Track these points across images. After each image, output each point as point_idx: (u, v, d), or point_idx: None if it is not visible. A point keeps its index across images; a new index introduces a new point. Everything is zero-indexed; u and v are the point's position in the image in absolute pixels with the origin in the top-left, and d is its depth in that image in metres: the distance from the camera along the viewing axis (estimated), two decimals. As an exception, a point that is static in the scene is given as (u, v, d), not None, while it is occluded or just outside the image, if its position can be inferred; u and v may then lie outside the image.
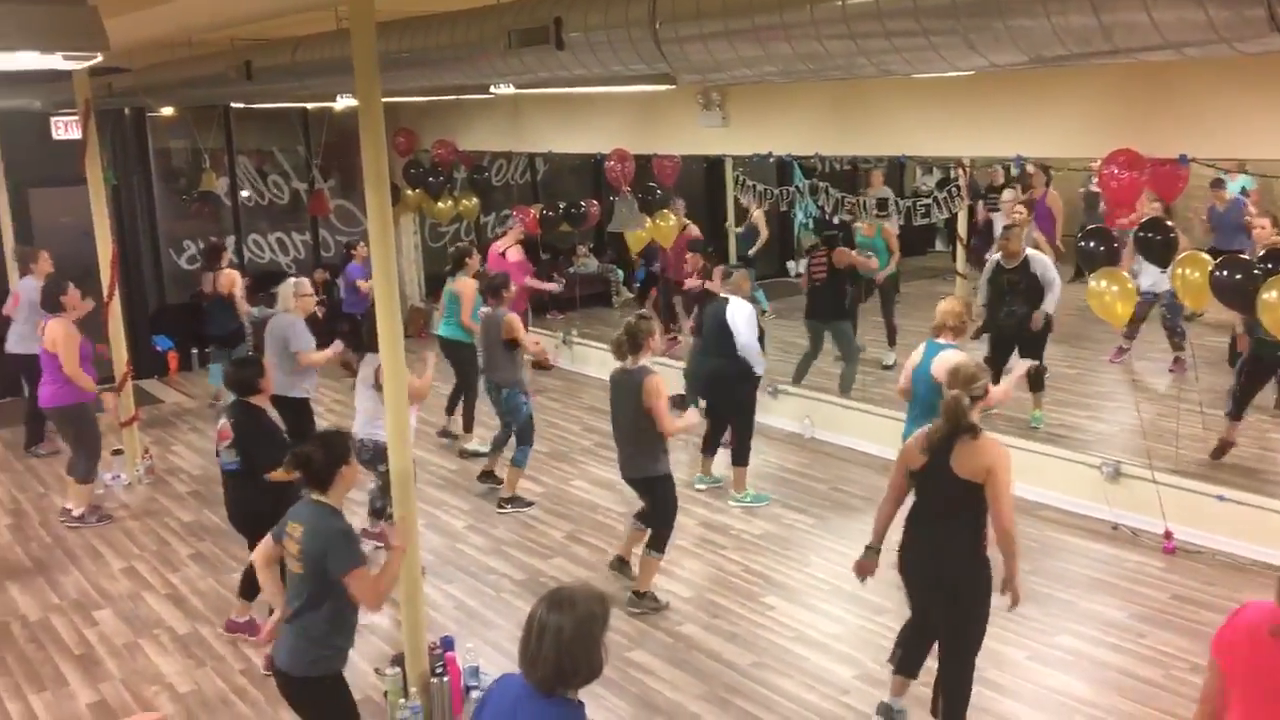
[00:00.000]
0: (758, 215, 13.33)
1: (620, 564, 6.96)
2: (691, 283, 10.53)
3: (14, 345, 9.89)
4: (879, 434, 9.05)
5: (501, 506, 8.37)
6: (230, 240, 13.31)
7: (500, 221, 14.70)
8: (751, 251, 13.31)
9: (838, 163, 13.71)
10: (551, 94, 10.56)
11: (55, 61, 3.69)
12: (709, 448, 8.64)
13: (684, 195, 12.35)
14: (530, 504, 8.41)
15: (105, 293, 9.22)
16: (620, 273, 15.21)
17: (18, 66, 3.74)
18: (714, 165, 14.05)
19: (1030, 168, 12.45)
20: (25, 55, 3.62)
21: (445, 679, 5.54)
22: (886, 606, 6.42)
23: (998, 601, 4.85)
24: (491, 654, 6.12)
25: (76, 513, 8.34)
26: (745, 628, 6.47)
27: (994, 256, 9.32)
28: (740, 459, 8.33)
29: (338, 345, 8.45)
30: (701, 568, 7.31)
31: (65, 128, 11.30)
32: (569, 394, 11.59)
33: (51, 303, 8.18)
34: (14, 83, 10.35)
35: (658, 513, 6.69)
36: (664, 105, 10.09)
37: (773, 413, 9.98)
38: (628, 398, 6.52)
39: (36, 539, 8.20)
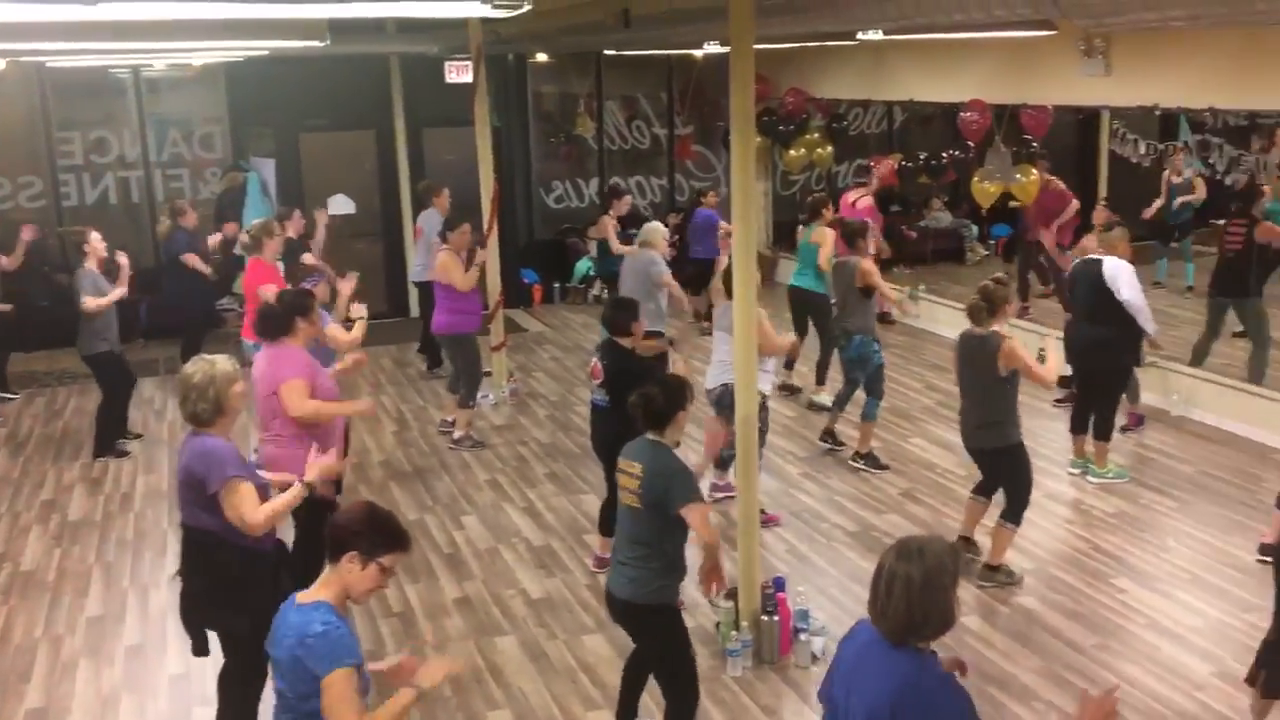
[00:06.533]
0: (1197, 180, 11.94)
1: (966, 544, 6.66)
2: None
3: (415, 274, 10.90)
4: (1260, 417, 8.25)
5: (855, 461, 8.28)
6: (594, 183, 13.99)
7: (857, 172, 14.50)
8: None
9: (1232, 117, 12.39)
10: (917, 39, 10.22)
11: (484, 10, 3.88)
12: (1079, 425, 7.94)
13: (1049, 149, 11.63)
14: (885, 466, 8.18)
15: (485, 226, 9.99)
16: (975, 229, 14.65)
17: (448, 14, 3.95)
18: (1088, 118, 13.15)
19: None
20: (462, 4, 3.86)
21: (776, 618, 5.67)
22: (1256, 604, 5.89)
23: None
24: (821, 600, 6.19)
25: (457, 435, 9.05)
26: (1090, 608, 6.16)
27: None
28: (1103, 433, 7.76)
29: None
30: (1045, 540, 7.00)
31: (457, 72, 12.19)
32: (912, 350, 11.35)
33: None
34: (414, 29, 11.30)
35: (1012, 483, 6.41)
36: (1037, 51, 9.46)
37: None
38: (978, 365, 6.28)
39: (416, 446, 9.10)
